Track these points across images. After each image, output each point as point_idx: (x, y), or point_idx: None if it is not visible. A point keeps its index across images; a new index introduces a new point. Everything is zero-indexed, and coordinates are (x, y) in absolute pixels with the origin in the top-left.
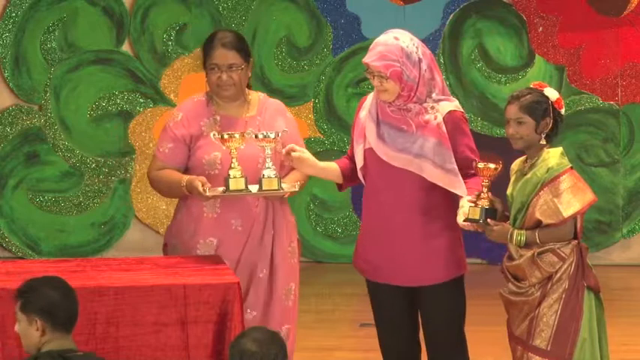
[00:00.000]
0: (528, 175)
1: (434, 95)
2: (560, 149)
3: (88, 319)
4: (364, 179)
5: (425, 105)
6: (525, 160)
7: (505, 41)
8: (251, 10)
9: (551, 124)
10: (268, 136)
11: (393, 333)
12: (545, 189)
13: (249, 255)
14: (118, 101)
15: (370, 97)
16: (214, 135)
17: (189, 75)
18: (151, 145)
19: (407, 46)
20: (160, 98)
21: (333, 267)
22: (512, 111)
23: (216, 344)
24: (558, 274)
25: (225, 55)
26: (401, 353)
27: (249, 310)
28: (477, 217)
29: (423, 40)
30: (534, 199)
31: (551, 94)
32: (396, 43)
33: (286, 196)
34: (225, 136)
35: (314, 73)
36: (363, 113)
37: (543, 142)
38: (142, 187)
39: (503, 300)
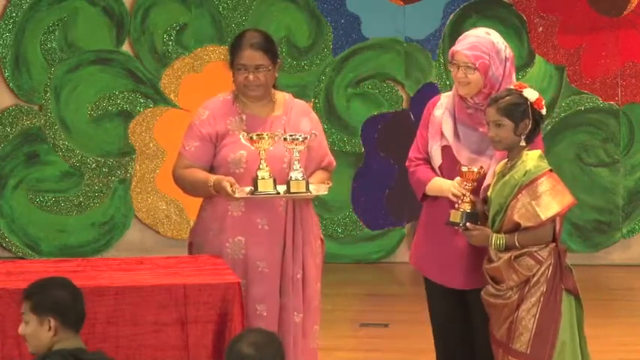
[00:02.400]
0: (506, 178)
1: None
2: (538, 152)
3: (88, 319)
4: (442, 176)
5: None
6: (506, 162)
7: (505, 41)
8: (251, 10)
9: (531, 124)
10: (297, 139)
11: (445, 335)
12: (523, 192)
13: (284, 256)
14: (118, 101)
15: (444, 97)
16: (243, 136)
17: (190, 75)
18: (151, 145)
19: (497, 42)
20: (160, 98)
21: (333, 267)
22: (491, 113)
23: (216, 344)
24: (536, 277)
25: (252, 56)
26: (451, 357)
27: (295, 313)
28: (457, 220)
29: (423, 40)
30: (513, 202)
31: (531, 94)
32: (487, 37)
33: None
34: (255, 137)
35: (314, 73)
36: (439, 112)
37: (523, 143)
38: (142, 187)
39: (484, 302)
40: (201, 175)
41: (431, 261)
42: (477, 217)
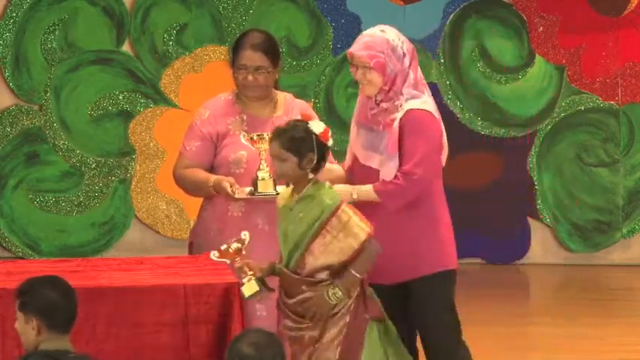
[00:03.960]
0: (301, 215)
1: (405, 90)
2: (326, 183)
3: (88, 319)
4: (350, 180)
5: (397, 103)
6: (292, 194)
7: (505, 41)
8: (251, 10)
9: (317, 157)
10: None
11: None
12: (327, 228)
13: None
14: (118, 101)
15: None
16: (244, 136)
17: (190, 75)
18: (151, 144)
19: (392, 40)
20: (160, 98)
21: None
22: (274, 148)
23: (216, 344)
24: (338, 308)
25: (253, 57)
26: None
27: None
28: (256, 289)
29: (423, 40)
30: (318, 240)
31: (317, 127)
32: (381, 35)
33: None
34: (255, 137)
35: (314, 73)
36: (352, 125)
37: (310, 176)
38: (142, 187)
39: (283, 336)
40: (201, 175)
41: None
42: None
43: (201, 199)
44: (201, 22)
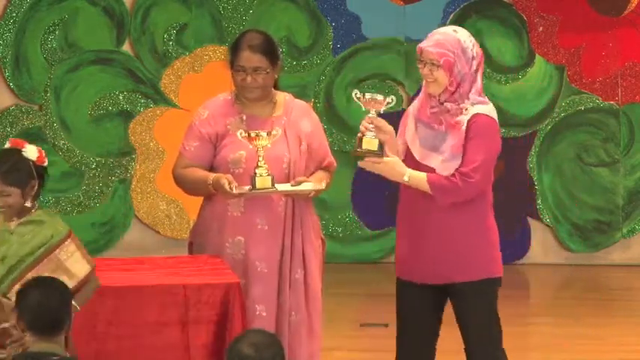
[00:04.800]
0: (26, 237)
1: (471, 95)
2: (50, 212)
3: (88, 319)
4: None
5: (462, 106)
6: (10, 219)
7: (505, 41)
8: (251, 10)
9: (38, 182)
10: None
11: (413, 334)
12: (50, 257)
13: (282, 256)
14: (119, 101)
15: (415, 102)
16: (241, 133)
17: (190, 75)
18: (151, 145)
19: (464, 41)
20: (160, 98)
21: (333, 267)
22: None
23: (216, 344)
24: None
25: (251, 58)
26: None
27: (293, 313)
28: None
29: (422, 40)
30: (37, 269)
31: (31, 152)
32: (454, 35)
33: (312, 195)
34: (252, 135)
35: (314, 73)
36: (408, 119)
37: (28, 204)
38: (142, 187)
39: None
40: (200, 173)
41: (411, 260)
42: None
43: (200, 199)
44: (201, 22)
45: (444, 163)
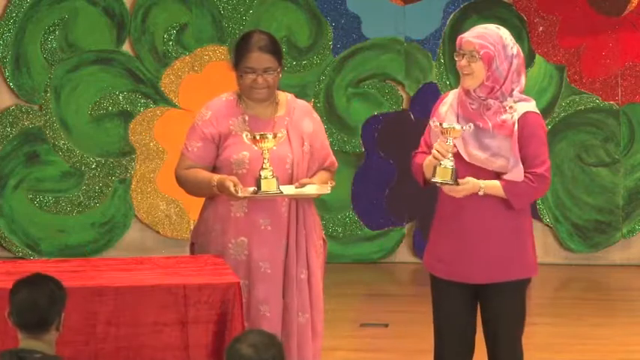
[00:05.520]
0: None
1: (515, 94)
2: None
3: (88, 319)
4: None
5: (505, 104)
6: None
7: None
8: (251, 10)
9: None
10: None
11: (455, 332)
12: None
13: (287, 257)
14: (119, 101)
15: (452, 93)
16: (246, 135)
17: (190, 75)
18: (151, 145)
19: (505, 38)
20: (160, 98)
21: (333, 267)
22: None
23: (216, 344)
24: None
25: (261, 59)
26: (455, 353)
27: (300, 314)
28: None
29: (423, 40)
30: None
31: None
32: (496, 31)
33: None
34: (258, 137)
35: (314, 73)
36: (444, 108)
37: None
38: (142, 187)
39: None
40: (204, 174)
41: (450, 259)
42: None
43: (201, 199)
44: (201, 22)
45: (512, 169)
